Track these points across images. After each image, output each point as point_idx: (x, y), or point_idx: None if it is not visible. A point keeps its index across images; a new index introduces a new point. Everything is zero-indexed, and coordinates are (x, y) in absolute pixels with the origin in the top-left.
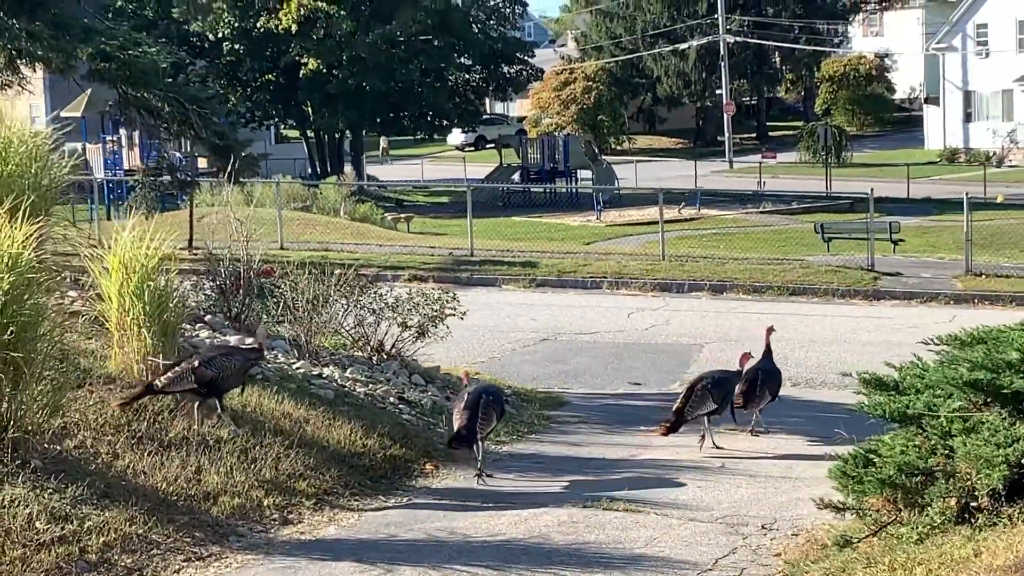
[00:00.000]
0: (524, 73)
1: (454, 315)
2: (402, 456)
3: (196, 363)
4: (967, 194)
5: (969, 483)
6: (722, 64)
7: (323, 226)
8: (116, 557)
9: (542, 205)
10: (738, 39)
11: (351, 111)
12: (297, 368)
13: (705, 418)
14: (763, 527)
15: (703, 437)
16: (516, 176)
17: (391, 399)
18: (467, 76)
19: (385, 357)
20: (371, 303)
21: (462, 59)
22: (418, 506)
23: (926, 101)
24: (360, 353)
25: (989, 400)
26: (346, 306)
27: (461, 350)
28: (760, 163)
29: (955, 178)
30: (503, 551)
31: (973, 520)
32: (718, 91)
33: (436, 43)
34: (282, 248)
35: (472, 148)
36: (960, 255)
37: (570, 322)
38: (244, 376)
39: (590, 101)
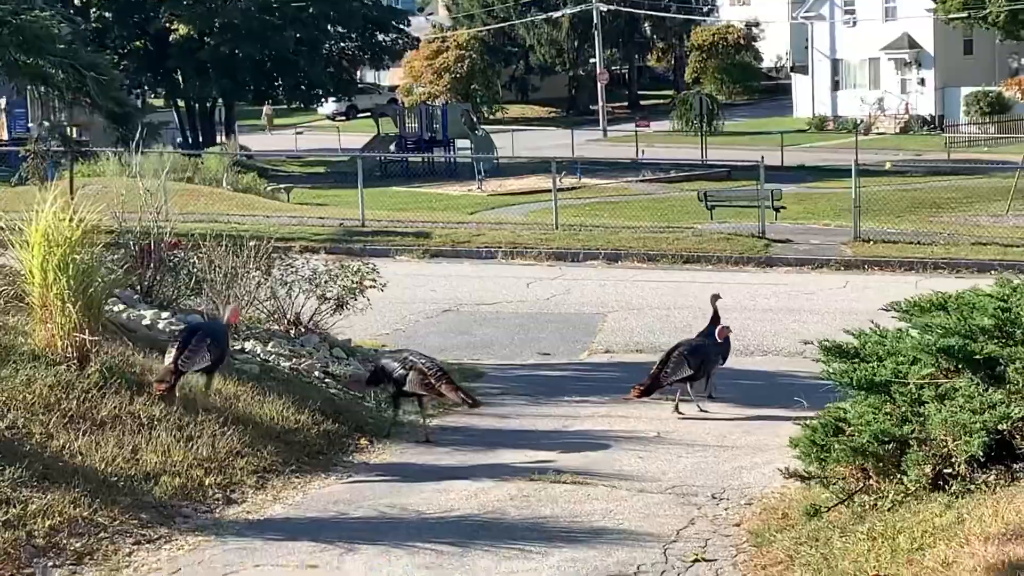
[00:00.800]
0: (400, 41)
1: (374, 287)
2: (335, 431)
3: (208, 340)
4: (855, 161)
5: (945, 450)
6: (595, 32)
7: (207, 197)
8: (64, 541)
9: (420, 175)
10: (610, 7)
11: (224, 79)
12: None
13: (683, 385)
14: (713, 496)
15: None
16: (392, 146)
17: (316, 373)
18: (342, 45)
19: (303, 331)
20: (285, 275)
21: (337, 28)
22: (361, 482)
23: (793, 70)
24: (277, 327)
25: (959, 366)
26: (261, 278)
27: (365, 322)
28: (637, 132)
29: (826, 145)
30: (461, 527)
31: (947, 487)
32: (591, 60)
33: (311, 10)
34: (166, 220)
35: (344, 118)
36: (845, 221)
37: (470, 293)
38: None
39: (463, 70)
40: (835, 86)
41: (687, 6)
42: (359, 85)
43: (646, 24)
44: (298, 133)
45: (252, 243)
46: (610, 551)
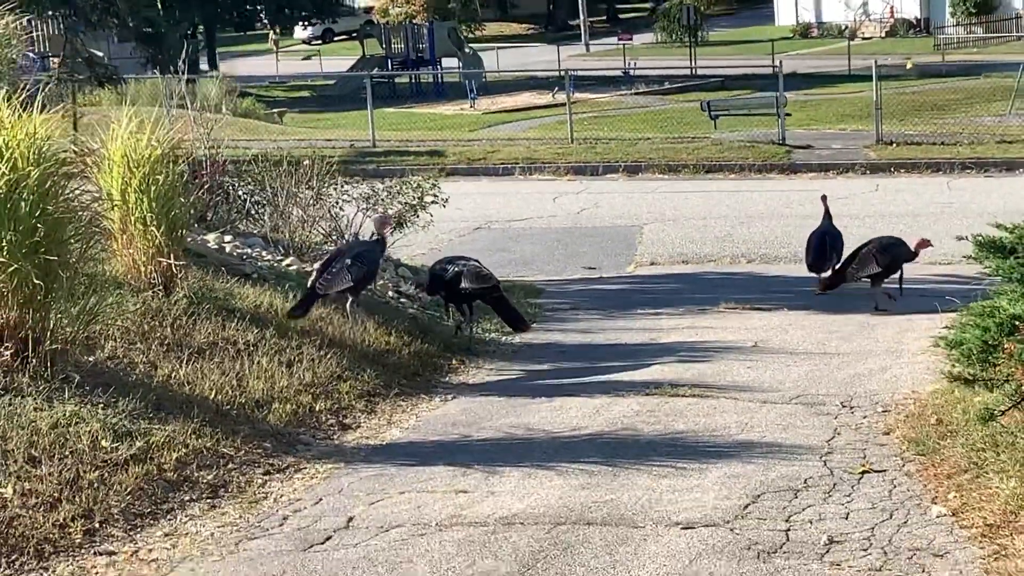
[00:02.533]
0: None
1: (436, 203)
2: (425, 351)
3: (348, 261)
4: (876, 62)
5: None
6: None
7: (205, 123)
8: (195, 474)
9: (408, 96)
10: None
11: (208, 5)
12: (289, 266)
13: (871, 282)
14: (843, 405)
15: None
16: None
17: (390, 293)
18: None
19: None
20: (341, 196)
21: None
22: (471, 403)
23: None
24: (333, 247)
25: None
26: (314, 198)
27: (399, 244)
28: (623, 46)
29: (815, 52)
30: (599, 445)
31: None
32: None
33: None
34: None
35: (320, 41)
36: (858, 125)
37: (496, 210)
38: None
39: None
40: None
41: None
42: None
43: None
44: (306, 58)
45: (306, 163)
46: (768, 465)
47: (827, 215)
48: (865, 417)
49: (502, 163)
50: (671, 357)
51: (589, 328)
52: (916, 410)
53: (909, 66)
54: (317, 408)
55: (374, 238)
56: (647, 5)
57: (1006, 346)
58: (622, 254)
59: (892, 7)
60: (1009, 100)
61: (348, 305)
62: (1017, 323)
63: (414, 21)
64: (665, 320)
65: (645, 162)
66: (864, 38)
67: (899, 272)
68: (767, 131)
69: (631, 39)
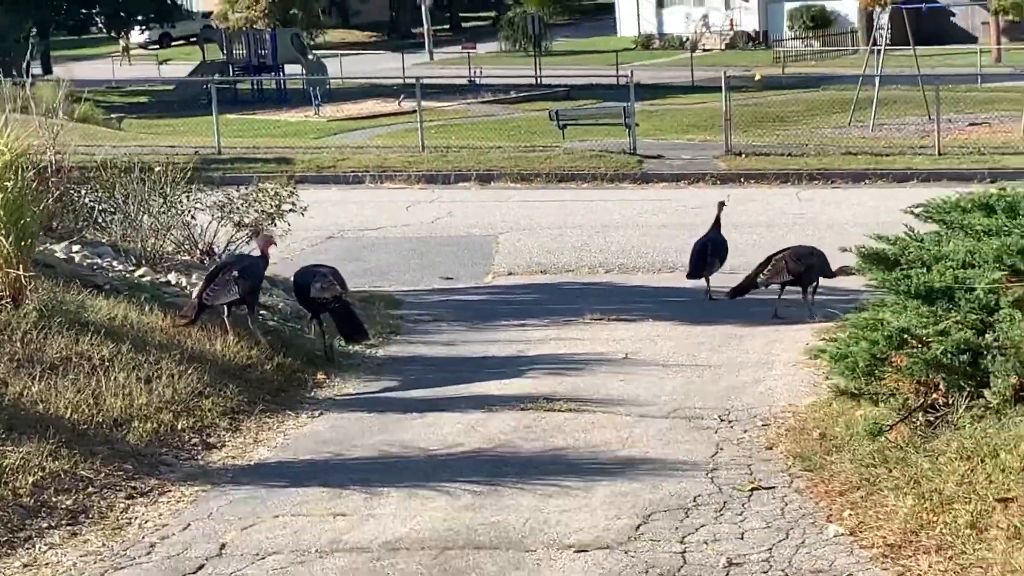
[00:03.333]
0: None
1: (294, 211)
2: (289, 365)
3: (235, 273)
4: (725, 73)
5: None
6: None
7: (49, 128)
8: (53, 499)
9: (251, 102)
10: None
11: (44, 7)
12: (142, 276)
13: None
14: (721, 419)
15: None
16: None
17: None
18: None
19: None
20: (194, 204)
21: None
22: (339, 420)
23: None
24: (187, 258)
25: None
26: (167, 206)
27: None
28: (468, 54)
29: (657, 63)
30: (479, 463)
31: None
32: None
33: None
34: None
35: (157, 46)
36: (703, 136)
37: (349, 218)
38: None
39: None
40: (660, 3)
41: None
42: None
43: None
44: (161, 63)
45: (158, 169)
46: (655, 483)
47: (716, 223)
48: (746, 431)
49: (352, 171)
50: (542, 370)
51: (454, 340)
52: (797, 424)
53: (757, 78)
54: (179, 426)
55: (257, 254)
56: (490, 14)
57: (894, 359)
58: (479, 264)
59: (732, 20)
60: (848, 112)
61: (227, 318)
62: (906, 336)
63: (255, 27)
64: (531, 332)
65: (497, 171)
66: (705, 50)
67: (815, 285)
68: (617, 141)
69: (475, 47)
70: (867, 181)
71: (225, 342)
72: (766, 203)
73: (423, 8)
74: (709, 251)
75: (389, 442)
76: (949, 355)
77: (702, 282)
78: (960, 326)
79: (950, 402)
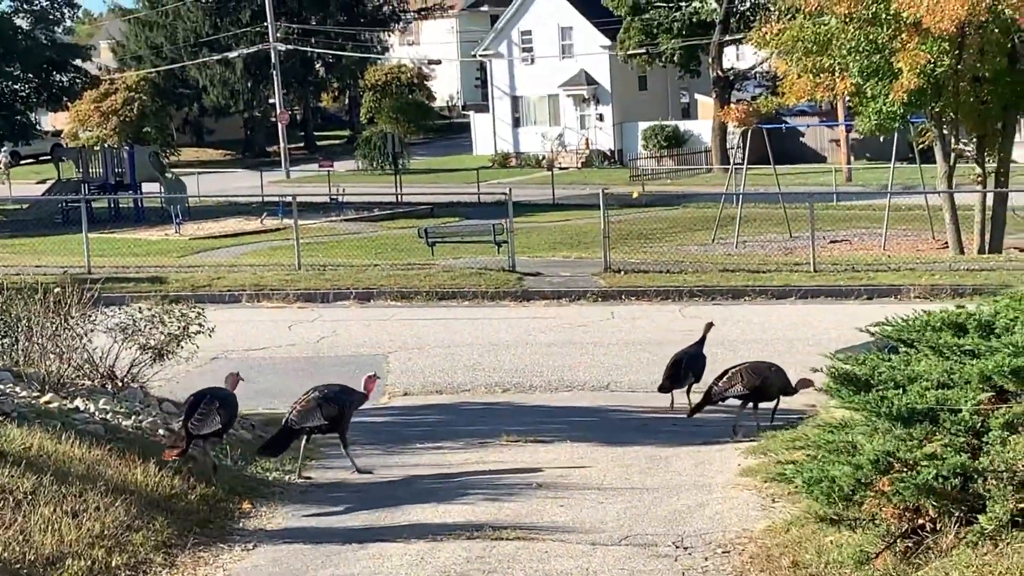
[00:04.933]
0: (78, 81)
1: (201, 332)
2: (212, 495)
3: (217, 403)
4: (603, 191)
5: None
6: (274, 73)
7: None
8: None
9: (107, 220)
10: (288, 47)
11: None
12: (48, 403)
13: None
14: (676, 546)
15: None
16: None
17: (161, 431)
18: (15, 87)
19: (120, 385)
20: (92, 325)
21: (10, 67)
22: (278, 554)
23: (465, 108)
24: (88, 382)
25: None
26: (63, 327)
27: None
28: (328, 172)
29: (515, 181)
30: None
31: None
32: (270, 100)
33: None
34: None
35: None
36: (582, 253)
37: (231, 338)
38: None
39: (133, 113)
40: (516, 123)
41: (363, 45)
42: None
43: (320, 65)
44: (41, 182)
45: (57, 290)
46: None
47: (700, 340)
48: (707, 559)
49: (228, 290)
50: (476, 496)
51: (373, 465)
52: (760, 551)
53: (635, 195)
54: (113, 563)
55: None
56: (344, 133)
57: (880, 485)
58: None
59: (587, 139)
60: (712, 230)
61: (203, 452)
62: (891, 460)
63: (109, 145)
64: (450, 455)
65: (377, 289)
66: (561, 168)
67: (775, 402)
68: (494, 258)
69: (332, 165)
70: (747, 298)
71: (146, 471)
72: (651, 320)
73: (279, 127)
74: (684, 364)
75: None
76: (941, 479)
77: (616, 400)
78: (949, 449)
79: (937, 528)
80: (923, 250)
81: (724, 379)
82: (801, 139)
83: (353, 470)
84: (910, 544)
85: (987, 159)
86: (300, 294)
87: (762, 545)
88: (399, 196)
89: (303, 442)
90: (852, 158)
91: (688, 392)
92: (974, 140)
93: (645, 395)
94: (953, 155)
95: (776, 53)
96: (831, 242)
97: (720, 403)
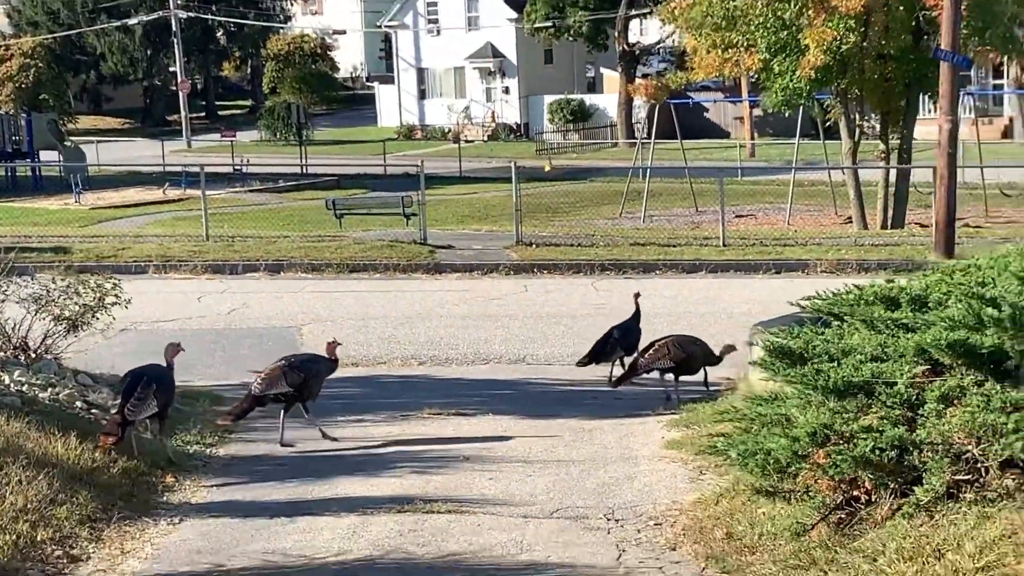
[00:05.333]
0: None
1: (118, 303)
2: (135, 468)
3: (153, 386)
4: (515, 164)
5: (968, 455)
6: (175, 40)
7: None
8: None
9: (4, 189)
10: (189, 15)
11: None
12: None
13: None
14: (608, 519)
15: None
16: None
17: (79, 403)
18: None
19: (34, 357)
20: (3, 296)
21: None
22: (205, 527)
23: (369, 80)
24: (0, 353)
25: (959, 363)
26: None
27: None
28: (231, 143)
29: (421, 153)
30: (381, 572)
31: (961, 497)
32: (171, 68)
33: None
34: None
35: None
36: (492, 226)
37: (140, 310)
38: None
39: (28, 80)
40: (422, 95)
41: (265, 13)
42: None
43: (221, 33)
44: None
45: None
46: None
47: (635, 313)
48: (639, 531)
49: (135, 261)
50: (404, 469)
51: (295, 438)
52: (692, 523)
53: (548, 168)
54: (39, 537)
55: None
56: (246, 103)
57: (816, 457)
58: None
59: (493, 112)
60: (619, 204)
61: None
62: (828, 433)
63: (5, 112)
64: (372, 428)
65: (287, 260)
66: (467, 141)
67: (704, 374)
68: (405, 231)
69: (235, 136)
70: (658, 271)
71: (67, 444)
72: (565, 293)
73: (180, 95)
74: (613, 338)
75: (269, 550)
76: (878, 452)
77: (534, 373)
78: (885, 422)
79: (873, 499)
80: (826, 225)
81: (651, 351)
82: (705, 114)
83: (318, 433)
84: (843, 515)
85: (891, 136)
86: (208, 265)
87: (693, 517)
88: (304, 167)
89: (283, 412)
90: (755, 134)
91: (615, 365)
92: (878, 117)
93: (562, 368)
94: (858, 132)
95: (685, 28)
96: (737, 216)
97: (645, 375)
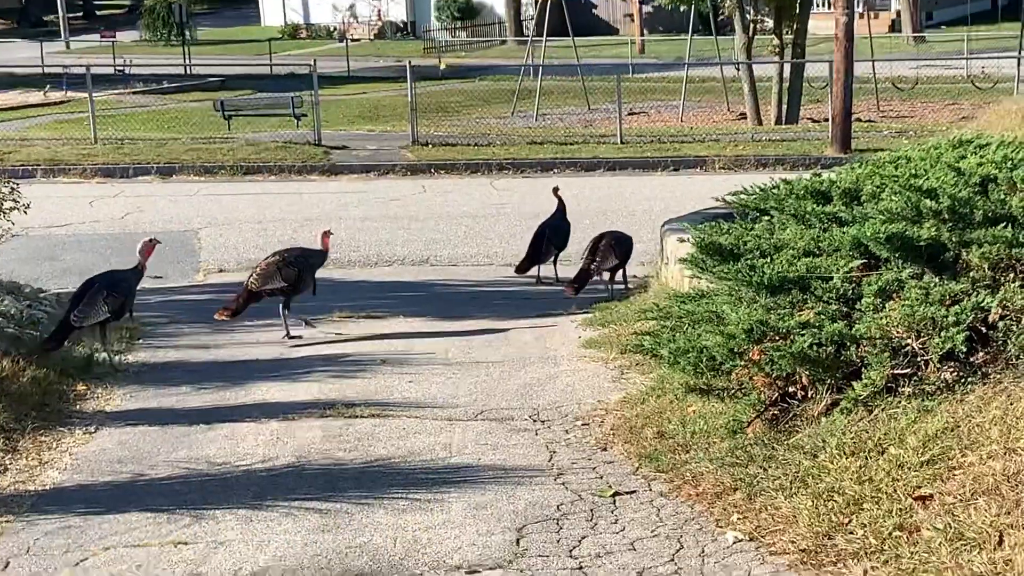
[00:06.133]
0: None
1: (16, 208)
2: (45, 377)
3: (104, 292)
4: (409, 63)
5: (908, 348)
6: None
7: None
8: None
9: None
10: None
11: None
12: None
13: (607, 274)
14: (534, 420)
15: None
16: None
17: None
18: None
19: None
20: None
21: None
22: (123, 436)
23: None
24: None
25: (896, 256)
26: None
27: None
28: (112, 43)
29: (309, 52)
30: (308, 479)
31: (900, 391)
32: None
33: None
34: None
35: None
36: (384, 126)
37: (31, 215)
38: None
39: None
40: None
41: None
42: None
43: None
44: None
45: None
46: (509, 492)
47: (559, 209)
48: (567, 432)
49: (22, 165)
50: (321, 373)
51: (205, 344)
52: (621, 422)
53: (443, 66)
54: None
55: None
56: (126, 2)
57: (752, 354)
58: (185, 261)
59: (380, 10)
60: (511, 103)
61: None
62: (765, 330)
63: None
64: (281, 331)
65: (179, 164)
66: (353, 40)
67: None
68: (296, 132)
69: (115, 36)
70: (556, 170)
71: None
72: (464, 193)
73: None
74: (545, 238)
75: (193, 458)
76: (816, 347)
77: (440, 275)
78: (822, 317)
79: (809, 395)
80: (718, 121)
81: (597, 256)
82: (594, 11)
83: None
84: (776, 412)
85: (785, 31)
86: (99, 169)
87: (621, 416)
88: (188, 68)
89: (282, 307)
90: (645, 31)
91: (555, 264)
92: (772, 11)
93: (468, 268)
94: (752, 26)
95: None
96: (630, 114)
97: (597, 277)
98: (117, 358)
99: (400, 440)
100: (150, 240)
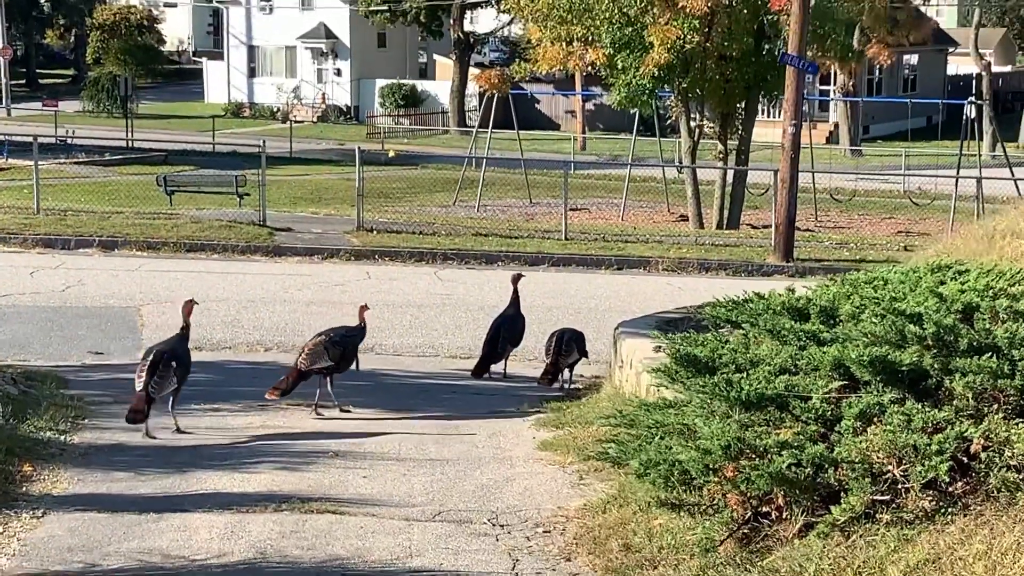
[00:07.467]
0: None
1: None
2: None
3: (173, 364)
4: (359, 148)
5: (889, 475)
6: None
7: None
8: None
9: None
10: None
11: None
12: None
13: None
14: (493, 524)
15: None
16: None
17: None
18: None
19: None
20: None
21: None
22: (73, 522)
23: (195, 55)
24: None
25: (878, 380)
26: None
27: None
28: (55, 112)
29: (251, 132)
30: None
31: (877, 518)
32: None
33: None
34: None
35: None
36: (328, 209)
37: None
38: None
39: None
40: (252, 72)
41: None
42: None
43: (46, 0)
44: None
45: None
46: None
47: (514, 299)
48: (529, 538)
49: None
50: (272, 464)
51: (151, 427)
52: (583, 532)
53: (391, 154)
54: None
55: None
56: (69, 72)
57: (726, 470)
58: (127, 338)
59: (324, 94)
60: (453, 192)
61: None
62: (742, 447)
63: None
64: (231, 417)
65: (122, 238)
66: (297, 121)
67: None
68: (240, 211)
69: (57, 105)
70: (500, 263)
71: None
72: (408, 282)
73: (2, 63)
74: (501, 336)
75: (145, 550)
76: (794, 468)
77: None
78: (801, 437)
79: (784, 516)
80: (659, 222)
81: (563, 349)
82: (537, 106)
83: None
84: (747, 531)
85: (729, 137)
86: (40, 239)
87: (583, 525)
88: (130, 141)
89: (323, 385)
90: (586, 128)
91: (505, 360)
92: (718, 117)
93: (413, 359)
94: (697, 131)
95: (531, 19)
96: (572, 209)
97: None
98: (63, 437)
99: (358, 540)
100: (190, 300)
